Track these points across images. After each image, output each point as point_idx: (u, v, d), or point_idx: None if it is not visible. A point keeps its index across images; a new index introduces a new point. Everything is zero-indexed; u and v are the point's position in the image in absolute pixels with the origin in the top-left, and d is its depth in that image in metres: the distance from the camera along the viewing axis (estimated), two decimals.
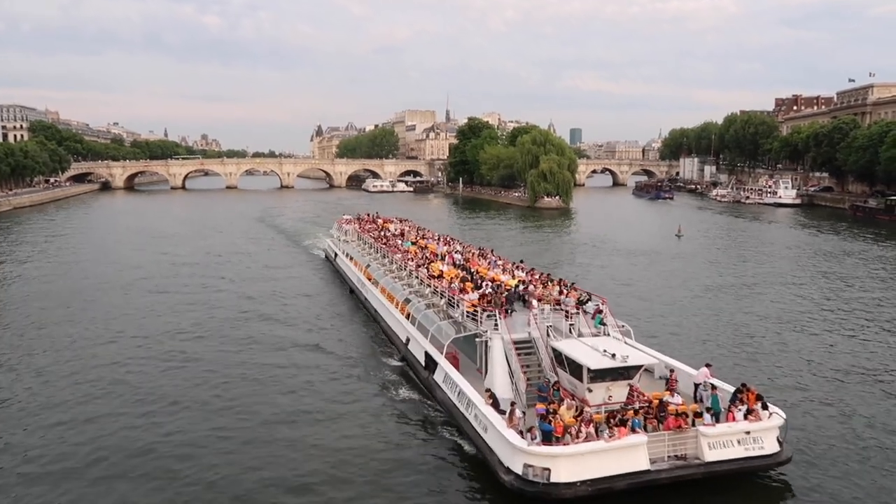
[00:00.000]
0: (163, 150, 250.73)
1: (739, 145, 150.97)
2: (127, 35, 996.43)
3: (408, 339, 28.23)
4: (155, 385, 25.65)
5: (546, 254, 59.24)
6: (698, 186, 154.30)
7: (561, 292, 26.20)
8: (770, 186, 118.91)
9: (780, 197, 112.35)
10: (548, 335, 22.77)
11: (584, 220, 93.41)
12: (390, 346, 30.66)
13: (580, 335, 22.87)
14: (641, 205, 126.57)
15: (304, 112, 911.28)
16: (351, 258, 44.98)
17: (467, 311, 24.41)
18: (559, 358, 21.50)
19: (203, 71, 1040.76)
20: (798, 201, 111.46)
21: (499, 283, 28.22)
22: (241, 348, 30.60)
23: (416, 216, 69.79)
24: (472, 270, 31.48)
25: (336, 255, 51.07)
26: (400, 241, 42.94)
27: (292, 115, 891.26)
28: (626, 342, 22.98)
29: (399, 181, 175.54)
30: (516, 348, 22.19)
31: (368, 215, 57.21)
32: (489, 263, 34.15)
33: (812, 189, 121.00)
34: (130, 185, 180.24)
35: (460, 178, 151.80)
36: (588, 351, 20.79)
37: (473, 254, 37.35)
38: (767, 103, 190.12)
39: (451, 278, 29.49)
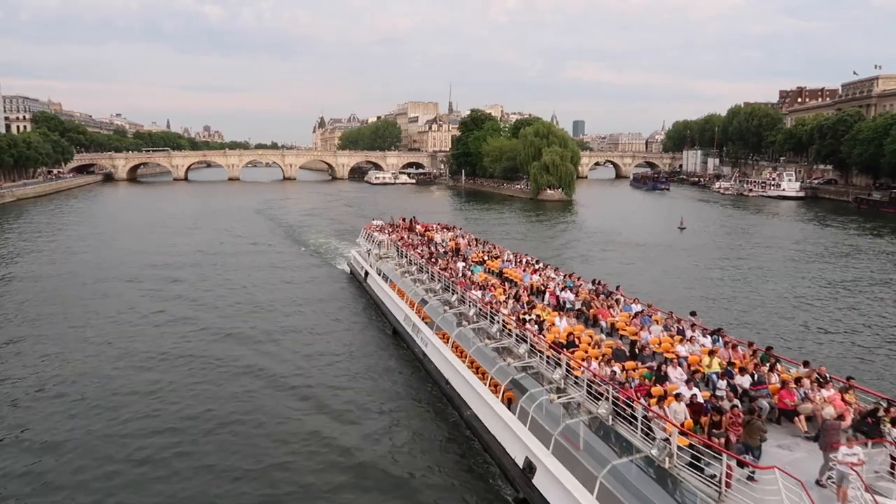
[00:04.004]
0: (165, 142, 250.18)
1: (743, 137, 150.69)
2: (126, 24, 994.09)
3: (531, 468, 15.95)
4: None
5: (550, 248, 59.23)
6: (701, 179, 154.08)
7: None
8: (773, 179, 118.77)
9: (783, 190, 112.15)
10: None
11: (586, 212, 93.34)
12: (485, 454, 18.66)
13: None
14: (640, 195, 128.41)
15: (306, 103, 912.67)
16: (391, 283, 33.50)
17: (679, 446, 12.78)
18: None
19: (204, 61, 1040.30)
20: (802, 194, 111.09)
21: (694, 367, 16.84)
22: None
23: (420, 209, 69.61)
24: (610, 327, 21.09)
25: (366, 273, 39.83)
26: (462, 264, 31.58)
27: (294, 106, 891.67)
28: None
29: (401, 173, 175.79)
30: None
31: (404, 220, 46.84)
32: (634, 317, 21.39)
33: (816, 182, 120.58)
34: (133, 177, 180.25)
35: (463, 171, 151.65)
36: None
37: (587, 291, 25.12)
38: (771, 95, 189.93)
39: (610, 358, 17.16)
